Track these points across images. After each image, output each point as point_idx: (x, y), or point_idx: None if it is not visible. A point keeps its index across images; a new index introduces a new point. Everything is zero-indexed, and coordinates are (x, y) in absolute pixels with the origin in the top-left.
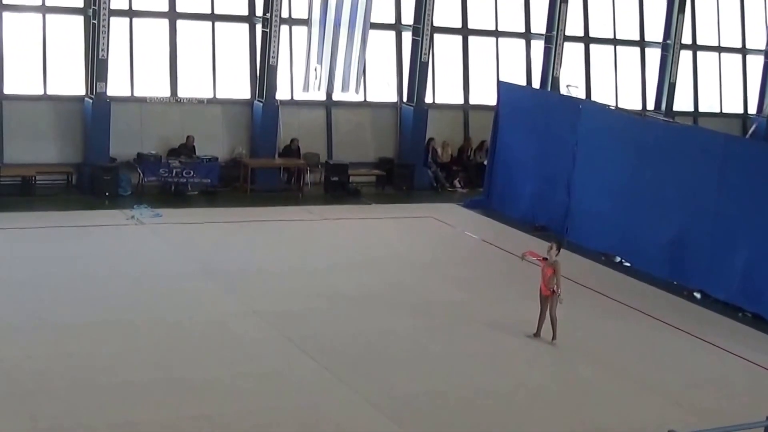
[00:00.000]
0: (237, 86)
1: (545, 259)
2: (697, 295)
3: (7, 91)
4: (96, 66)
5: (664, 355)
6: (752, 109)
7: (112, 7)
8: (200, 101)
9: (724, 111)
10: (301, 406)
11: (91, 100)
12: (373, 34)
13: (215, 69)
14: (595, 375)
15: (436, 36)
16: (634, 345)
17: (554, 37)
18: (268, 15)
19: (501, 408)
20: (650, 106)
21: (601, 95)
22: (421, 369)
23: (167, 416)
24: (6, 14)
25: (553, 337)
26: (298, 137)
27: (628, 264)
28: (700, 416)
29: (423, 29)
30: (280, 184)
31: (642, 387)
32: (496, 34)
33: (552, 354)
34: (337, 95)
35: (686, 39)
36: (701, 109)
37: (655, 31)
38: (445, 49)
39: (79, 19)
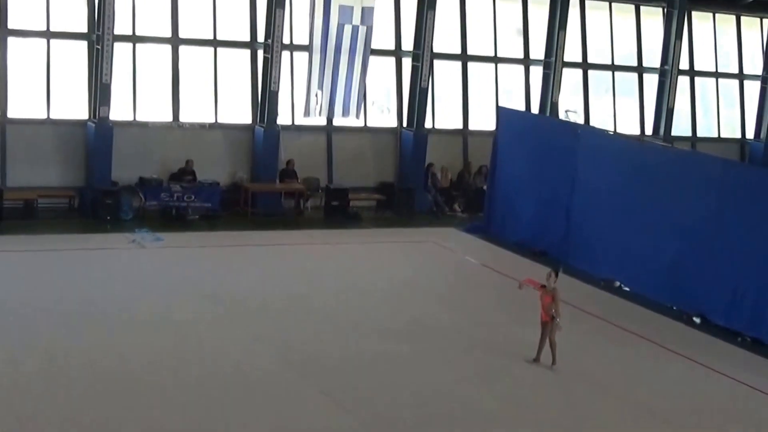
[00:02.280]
0: (238, 111)
1: (543, 286)
2: (697, 320)
3: (10, 114)
4: (99, 90)
5: (663, 380)
6: (750, 134)
7: (116, 32)
8: (202, 126)
9: (721, 136)
10: (295, 426)
11: (93, 124)
12: (373, 60)
13: (217, 94)
14: (595, 400)
15: (436, 62)
16: (634, 370)
17: (553, 62)
18: (270, 41)
19: (497, 429)
20: (648, 131)
21: (600, 120)
22: (421, 392)
23: None
24: (11, 39)
25: (553, 362)
26: (299, 162)
27: (627, 289)
28: None
29: (423, 55)
30: (280, 208)
31: (642, 412)
32: (495, 60)
33: (551, 379)
34: (338, 120)
35: (684, 65)
36: (699, 134)
37: (652, 57)
38: (445, 75)
39: (83, 45)
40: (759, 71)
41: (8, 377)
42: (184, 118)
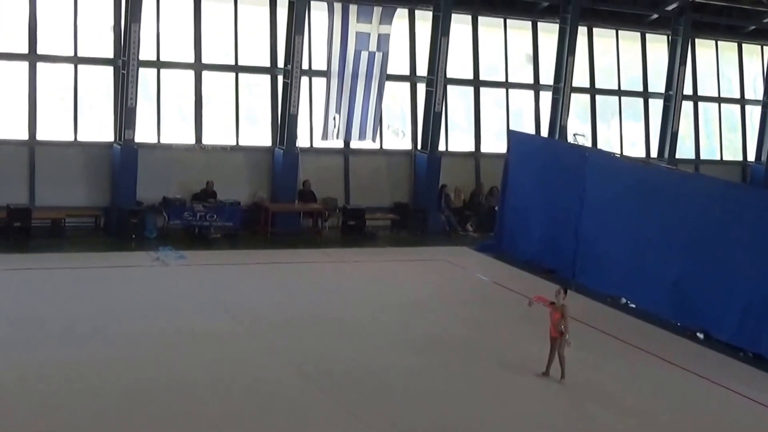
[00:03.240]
0: (259, 134)
1: (553, 303)
2: (700, 336)
3: (39, 137)
4: (125, 114)
5: (668, 394)
6: (751, 157)
7: (141, 58)
8: (224, 148)
9: (724, 158)
10: None
11: (119, 147)
12: (388, 85)
13: (238, 117)
14: (603, 413)
15: (449, 87)
16: (640, 384)
17: (562, 88)
18: (289, 66)
19: None
20: (654, 153)
21: (607, 143)
22: (433, 405)
23: None
24: (40, 64)
25: (562, 376)
26: (318, 183)
27: (633, 305)
28: None
29: (436, 81)
30: (299, 227)
31: (647, 424)
32: (506, 85)
33: (560, 392)
34: (355, 143)
35: (688, 90)
36: (702, 157)
37: (657, 83)
38: (458, 100)
39: (109, 70)
40: (760, 96)
41: (37, 391)
42: (206, 140)
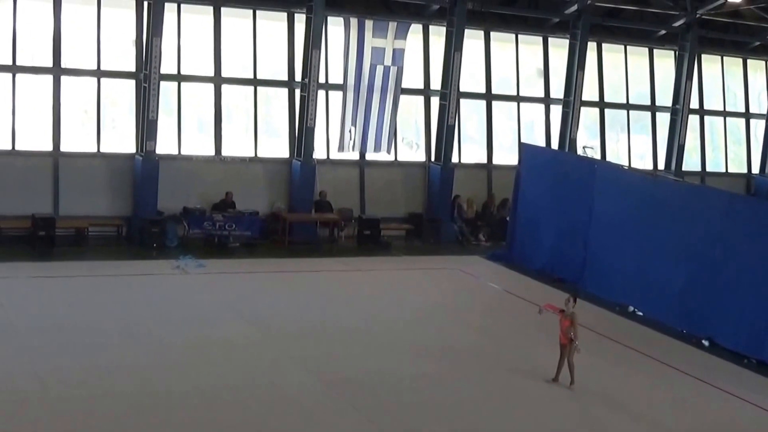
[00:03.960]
0: (277, 146)
1: (563, 311)
2: (706, 343)
3: (63, 148)
4: (146, 126)
5: (674, 399)
6: (755, 169)
7: (162, 71)
8: (242, 159)
9: (729, 171)
10: None
11: (141, 158)
12: (403, 98)
13: (257, 130)
14: (611, 418)
15: (462, 101)
16: (647, 389)
17: (571, 102)
18: (307, 80)
19: None
20: (661, 166)
21: (615, 156)
22: (447, 411)
23: None
24: (64, 78)
25: (571, 382)
26: (334, 194)
27: (640, 313)
28: None
29: (450, 94)
30: (316, 237)
31: (653, 427)
32: (517, 99)
33: (570, 398)
34: (370, 155)
35: (694, 104)
36: (708, 169)
37: (665, 97)
38: (471, 113)
39: (131, 83)
40: (764, 111)
41: (59, 396)
42: (225, 152)
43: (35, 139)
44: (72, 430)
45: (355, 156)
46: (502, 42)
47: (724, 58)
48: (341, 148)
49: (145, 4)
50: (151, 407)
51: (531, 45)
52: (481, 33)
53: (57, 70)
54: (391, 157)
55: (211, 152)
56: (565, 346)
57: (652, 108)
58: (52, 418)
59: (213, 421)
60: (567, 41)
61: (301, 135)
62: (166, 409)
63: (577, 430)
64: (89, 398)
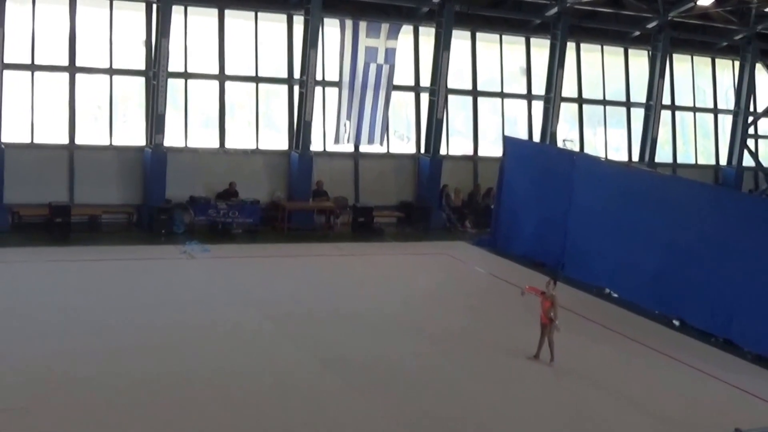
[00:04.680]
0: (277, 139)
1: (543, 293)
2: (677, 323)
3: (78, 141)
4: (155, 120)
5: (647, 375)
6: (723, 161)
7: (170, 69)
8: (245, 151)
9: (698, 163)
10: (327, 420)
11: (150, 150)
12: (395, 94)
13: (258, 124)
14: (588, 392)
15: (450, 97)
16: (622, 366)
17: (552, 98)
18: (305, 77)
19: (503, 421)
20: (635, 157)
21: (593, 148)
22: (435, 388)
23: (215, 428)
24: (78, 75)
25: (551, 359)
26: (330, 183)
27: (616, 295)
28: (677, 429)
29: (438, 91)
30: (313, 224)
31: (628, 403)
32: (501, 95)
33: (550, 374)
34: (364, 147)
35: (666, 100)
36: (679, 161)
37: (639, 94)
38: (458, 108)
39: (141, 80)
40: (731, 107)
41: (74, 376)
42: (229, 144)
43: (52, 132)
44: (86, 404)
45: (349, 148)
46: (488, 42)
47: (694, 57)
48: (337, 140)
49: (154, 6)
50: (159, 384)
51: (514, 45)
52: (468, 34)
53: (72, 69)
54: (383, 149)
55: (216, 145)
56: (545, 325)
57: (627, 104)
58: (67, 394)
59: (216, 399)
60: (548, 41)
61: (300, 129)
62: (172, 385)
63: (555, 404)
64: (100, 376)
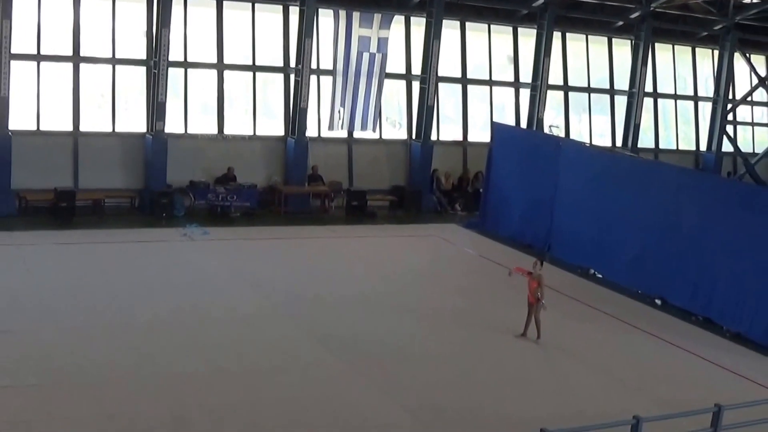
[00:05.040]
0: (273, 125)
1: (530, 273)
2: (658, 302)
3: (82, 128)
4: (156, 108)
5: (629, 352)
6: (703, 147)
7: (170, 59)
8: (242, 137)
9: (680, 148)
10: (324, 396)
11: (151, 137)
12: (387, 82)
13: (255, 111)
14: (572, 368)
15: (440, 84)
16: (605, 343)
17: (539, 85)
18: (300, 66)
19: (491, 395)
20: (619, 143)
21: (578, 134)
22: (426, 364)
23: (214, 402)
24: (82, 65)
25: (538, 336)
26: (325, 168)
27: (600, 275)
28: (659, 404)
29: (429, 79)
30: (308, 207)
31: (611, 379)
32: (490, 83)
33: (536, 351)
34: (357, 133)
35: (648, 88)
36: (661, 146)
37: (622, 81)
38: (448, 95)
39: (143, 69)
40: (710, 94)
41: (81, 351)
42: (227, 131)
43: (57, 120)
44: (91, 377)
45: (343, 134)
46: (477, 31)
47: (675, 46)
48: (331, 127)
49: None
50: (161, 360)
51: (502, 34)
52: (458, 23)
53: (76, 59)
54: (376, 135)
55: (215, 131)
56: (532, 304)
57: (611, 91)
58: (74, 371)
59: (216, 372)
60: (534, 31)
61: (295, 115)
62: (173, 361)
63: (541, 379)
64: (106, 350)
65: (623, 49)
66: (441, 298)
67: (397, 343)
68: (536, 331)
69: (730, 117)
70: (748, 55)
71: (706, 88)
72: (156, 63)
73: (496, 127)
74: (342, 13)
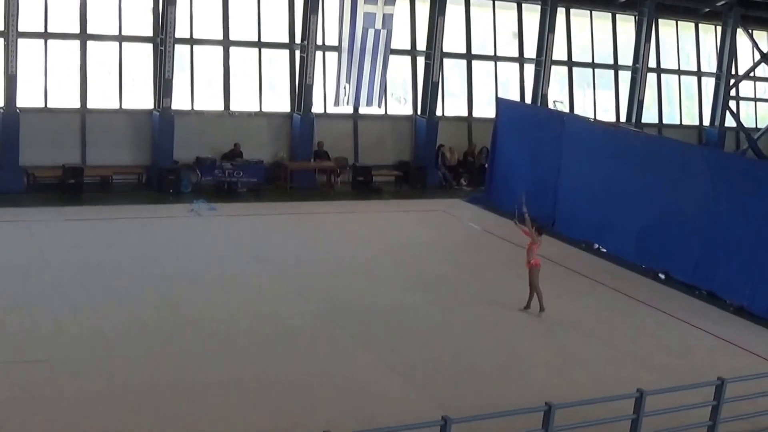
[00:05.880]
0: (279, 101)
1: (531, 236)
2: (662, 276)
3: (89, 105)
4: (163, 85)
5: (633, 325)
6: (706, 122)
7: (177, 36)
8: (249, 114)
9: (683, 123)
10: (329, 368)
11: (158, 113)
12: (392, 58)
13: (261, 87)
14: (576, 341)
15: (445, 60)
16: (609, 317)
17: (543, 61)
18: (305, 43)
19: (496, 369)
20: (623, 118)
21: (582, 109)
22: (431, 336)
23: (222, 375)
24: (89, 42)
25: (541, 309)
26: (331, 144)
27: (604, 250)
28: (662, 377)
29: (434, 54)
30: (314, 182)
31: (614, 351)
32: (494, 58)
33: (540, 324)
34: (363, 109)
35: (652, 63)
36: (665, 122)
37: (626, 57)
38: (453, 71)
39: (149, 46)
40: (714, 69)
41: (89, 325)
42: (233, 107)
43: (65, 97)
44: (100, 352)
45: (349, 110)
46: (481, 7)
47: (679, 22)
48: (337, 103)
49: None
50: (169, 333)
51: (506, 10)
52: None
53: (83, 36)
54: (381, 111)
55: (221, 107)
56: (530, 271)
57: (615, 67)
58: (84, 344)
59: (223, 341)
60: (539, 6)
61: (301, 92)
62: (181, 334)
63: (545, 352)
64: (114, 326)
65: (627, 24)
66: (445, 272)
67: (402, 316)
68: (539, 304)
69: (732, 92)
70: (750, 30)
71: (709, 63)
72: (162, 40)
73: (500, 103)
74: None
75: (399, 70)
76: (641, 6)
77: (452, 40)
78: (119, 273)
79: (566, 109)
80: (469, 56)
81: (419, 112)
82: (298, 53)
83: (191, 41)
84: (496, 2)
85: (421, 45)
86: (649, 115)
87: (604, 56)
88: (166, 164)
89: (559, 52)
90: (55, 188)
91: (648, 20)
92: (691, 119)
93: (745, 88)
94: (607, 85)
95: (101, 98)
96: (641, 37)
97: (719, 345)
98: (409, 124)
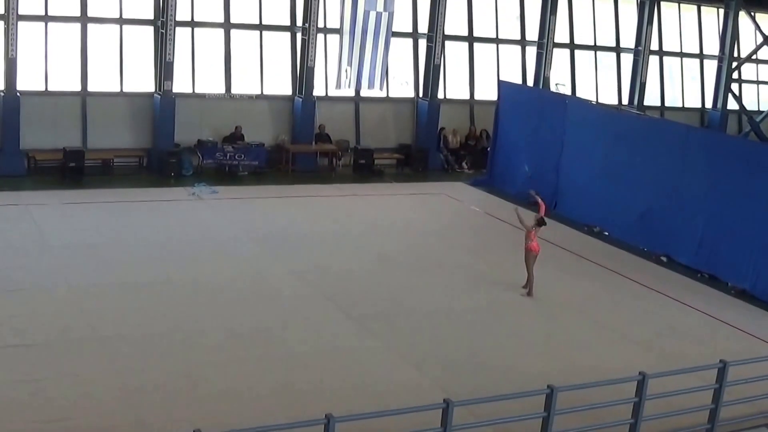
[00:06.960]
0: (280, 84)
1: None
2: (664, 259)
3: (90, 88)
4: (164, 67)
5: (635, 309)
6: (708, 104)
7: (178, 18)
8: (250, 96)
9: (685, 106)
10: (333, 352)
11: (159, 96)
12: (394, 41)
13: (262, 70)
14: (577, 324)
15: (447, 42)
16: (610, 300)
17: (545, 43)
18: (307, 25)
19: (497, 351)
20: (625, 101)
21: (584, 92)
22: (433, 319)
23: (224, 358)
24: (90, 25)
25: (528, 293)
26: (332, 127)
27: (606, 233)
28: (664, 360)
29: (436, 37)
30: (316, 165)
31: (616, 334)
32: (496, 41)
33: (542, 307)
34: (364, 92)
35: (654, 46)
36: (667, 104)
37: (628, 39)
38: (455, 54)
39: (150, 29)
40: (716, 52)
41: (90, 307)
42: (235, 90)
43: (65, 80)
44: (101, 335)
45: (350, 93)
46: None
47: (681, 5)
48: (338, 85)
49: None
50: (171, 316)
51: None
52: None
53: (84, 19)
54: (383, 94)
55: (222, 90)
56: (528, 255)
57: (617, 49)
58: (85, 327)
59: (228, 329)
60: None
61: (302, 74)
62: (184, 317)
63: (548, 335)
64: (116, 309)
65: (629, 7)
66: (447, 255)
67: (404, 299)
68: (528, 287)
69: (735, 75)
70: (753, 13)
71: (712, 45)
72: (163, 23)
73: (502, 86)
74: None
75: (401, 52)
76: None
77: (454, 22)
78: (120, 256)
79: (568, 92)
80: (471, 39)
81: (421, 95)
82: (299, 36)
83: (192, 24)
84: None
85: (423, 27)
86: (652, 98)
87: (607, 39)
88: (167, 147)
89: (561, 35)
90: (56, 171)
91: (650, 3)
92: (693, 102)
93: (748, 70)
94: (609, 67)
95: (102, 81)
96: (643, 19)
97: (721, 328)
98: (411, 106)
